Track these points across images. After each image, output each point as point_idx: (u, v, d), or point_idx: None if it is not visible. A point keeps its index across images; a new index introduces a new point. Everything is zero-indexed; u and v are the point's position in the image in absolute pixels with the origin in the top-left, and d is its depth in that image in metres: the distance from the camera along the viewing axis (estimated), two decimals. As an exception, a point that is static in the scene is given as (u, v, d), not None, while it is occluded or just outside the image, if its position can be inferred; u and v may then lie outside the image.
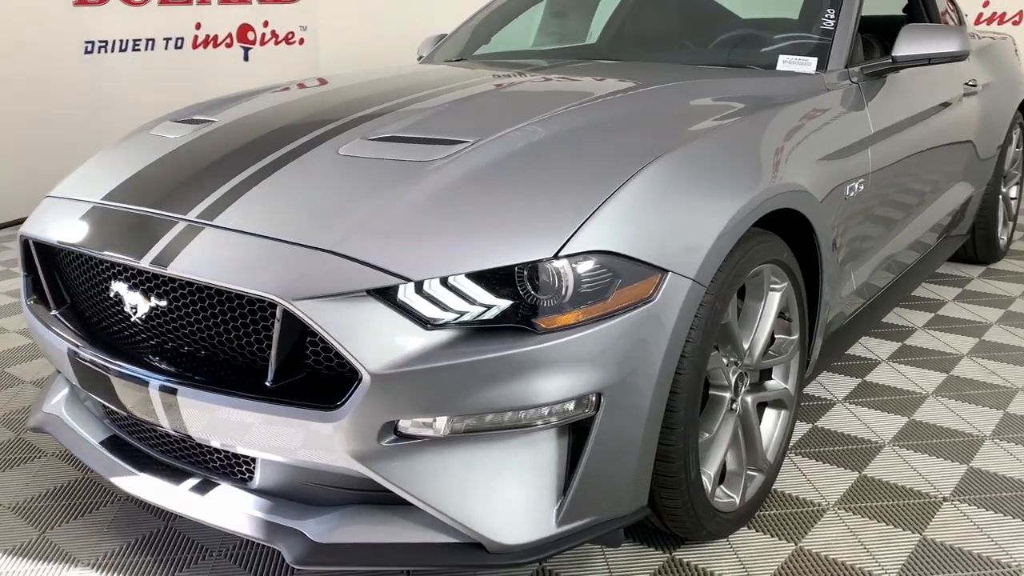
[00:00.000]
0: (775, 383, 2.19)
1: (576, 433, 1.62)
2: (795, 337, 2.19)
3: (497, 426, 1.55)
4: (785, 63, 2.53)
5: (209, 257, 1.63)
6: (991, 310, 3.54)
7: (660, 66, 2.70)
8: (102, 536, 2.12)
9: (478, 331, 1.54)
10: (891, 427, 2.57)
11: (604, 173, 1.67)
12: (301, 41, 5.14)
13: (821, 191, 2.15)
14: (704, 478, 1.89)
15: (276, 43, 5.06)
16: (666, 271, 1.63)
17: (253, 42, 4.98)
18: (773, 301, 2.06)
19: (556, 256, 1.53)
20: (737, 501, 2.03)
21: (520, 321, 1.54)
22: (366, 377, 1.49)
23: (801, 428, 2.58)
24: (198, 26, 4.84)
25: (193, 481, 1.82)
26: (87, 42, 4.60)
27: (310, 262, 1.55)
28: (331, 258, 1.54)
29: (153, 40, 4.73)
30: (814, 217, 2.10)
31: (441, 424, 1.54)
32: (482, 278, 1.54)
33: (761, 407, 2.20)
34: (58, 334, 1.94)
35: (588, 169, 1.70)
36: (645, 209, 1.64)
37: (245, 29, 4.94)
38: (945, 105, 3.11)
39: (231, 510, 1.73)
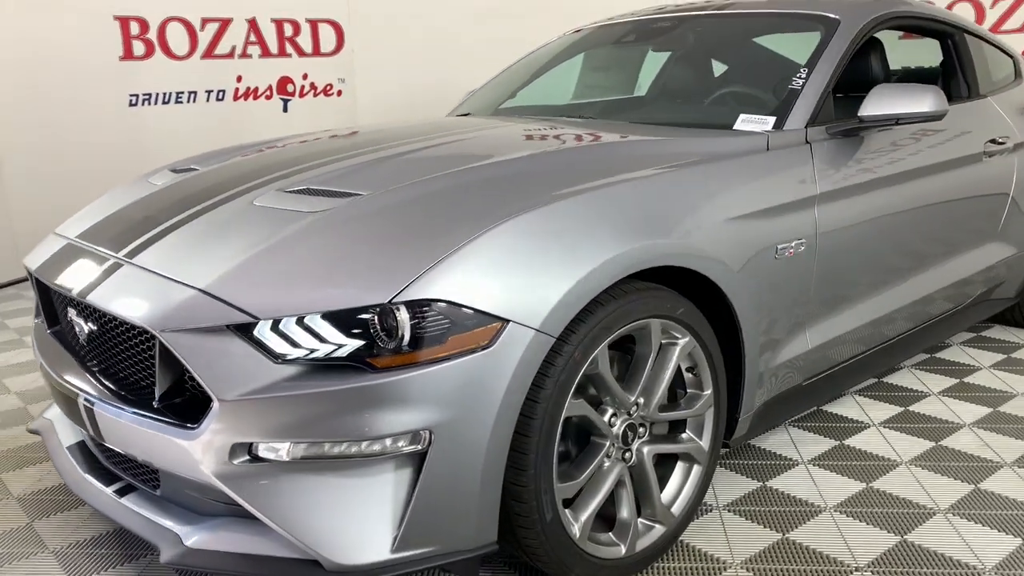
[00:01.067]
0: (687, 436, 2.23)
1: (416, 467, 1.75)
2: (707, 393, 2.21)
3: (335, 455, 1.71)
4: (743, 122, 2.56)
5: (117, 290, 1.90)
6: (1026, 380, 3.33)
7: (623, 126, 2.77)
8: (75, 529, 2.42)
9: (321, 367, 1.71)
10: (842, 492, 2.50)
11: (459, 227, 1.80)
12: (339, 93, 5.39)
13: (733, 250, 2.18)
14: (572, 522, 1.96)
15: (315, 95, 5.33)
16: (507, 321, 1.74)
17: (293, 94, 5.25)
18: (669, 355, 2.11)
19: (391, 302, 1.68)
20: (623, 550, 2.07)
21: (358, 360, 1.70)
22: (216, 402, 1.70)
23: (749, 485, 2.56)
24: (239, 79, 5.15)
25: (118, 485, 2.09)
26: (131, 95, 4.96)
27: (184, 298, 1.78)
28: (201, 296, 1.77)
29: (195, 92, 5.07)
30: (719, 275, 2.13)
31: (285, 449, 1.71)
32: (331, 319, 1.71)
33: (672, 459, 2.24)
34: (36, 348, 2.28)
35: (448, 222, 1.84)
36: (490, 262, 1.76)
37: (285, 81, 5.22)
38: (955, 163, 3.00)
39: (135, 511, 1.98)
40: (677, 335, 2.11)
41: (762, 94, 2.81)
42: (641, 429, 2.11)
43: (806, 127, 2.53)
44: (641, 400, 2.09)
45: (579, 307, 1.84)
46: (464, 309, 1.71)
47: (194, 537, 1.85)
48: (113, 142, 4.86)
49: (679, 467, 2.25)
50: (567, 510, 1.97)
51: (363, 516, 1.74)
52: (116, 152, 4.78)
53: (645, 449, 2.12)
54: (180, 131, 4.96)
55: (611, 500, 2.09)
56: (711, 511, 2.43)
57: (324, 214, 1.94)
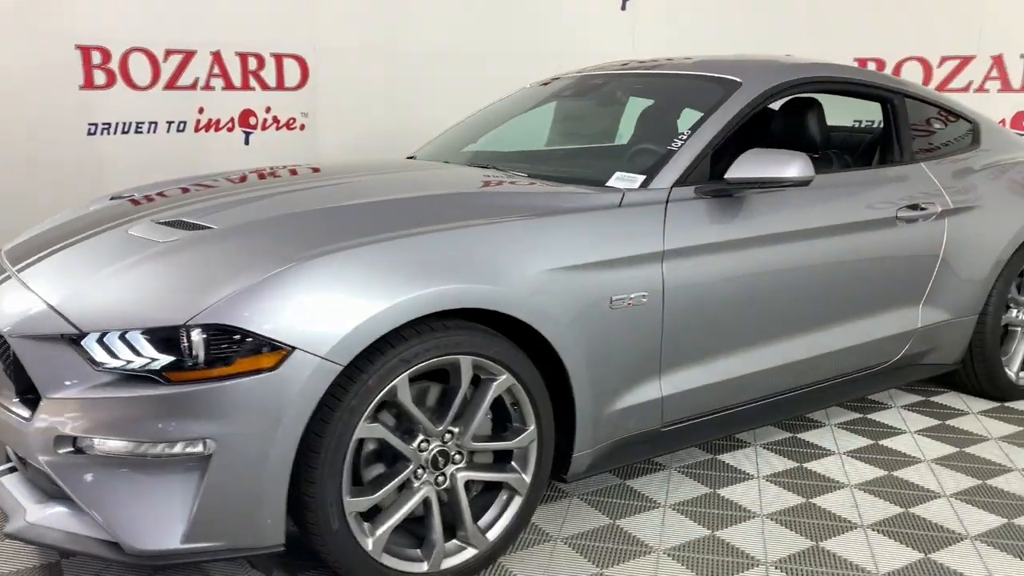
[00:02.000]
0: (510, 467, 2.39)
1: (202, 471, 1.99)
2: (531, 428, 2.38)
3: (136, 454, 1.97)
4: (616, 179, 2.72)
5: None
6: (943, 447, 3.30)
7: (517, 177, 2.94)
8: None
9: (129, 376, 1.99)
10: (683, 537, 2.60)
11: (268, 262, 2.06)
12: (302, 127, 5.50)
13: (558, 297, 2.33)
14: (366, 534, 2.16)
15: (277, 128, 5.43)
16: (293, 348, 1.98)
17: (255, 127, 5.37)
18: (485, 390, 2.29)
19: (186, 324, 1.95)
20: (426, 567, 2.26)
21: (156, 373, 1.97)
22: (43, 399, 2.00)
23: (599, 521, 2.69)
24: (201, 110, 5.24)
25: (7, 466, 2.41)
26: (91, 124, 5.00)
27: (36, 310, 2.10)
28: (47, 308, 2.09)
29: (156, 123, 5.15)
30: (538, 320, 2.30)
31: (97, 445, 1.99)
32: (146, 336, 1.99)
33: (497, 487, 2.41)
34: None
35: (261, 257, 2.09)
36: (285, 295, 1.99)
37: (247, 114, 5.34)
38: (855, 226, 3.05)
39: (7, 489, 2.29)
40: (494, 372, 2.30)
41: (656, 150, 2.95)
42: (458, 456, 2.30)
43: (672, 187, 2.67)
44: (456, 429, 2.28)
45: (370, 340, 2.05)
46: (253, 335, 1.96)
47: (35, 515, 2.14)
48: (70, 170, 4.92)
49: (501, 495, 2.41)
50: (367, 523, 2.19)
51: (158, 509, 2.00)
52: (72, 180, 4.88)
53: (459, 475, 2.31)
54: (138, 161, 5.01)
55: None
56: (549, 541, 2.58)
57: (171, 243, 2.24)
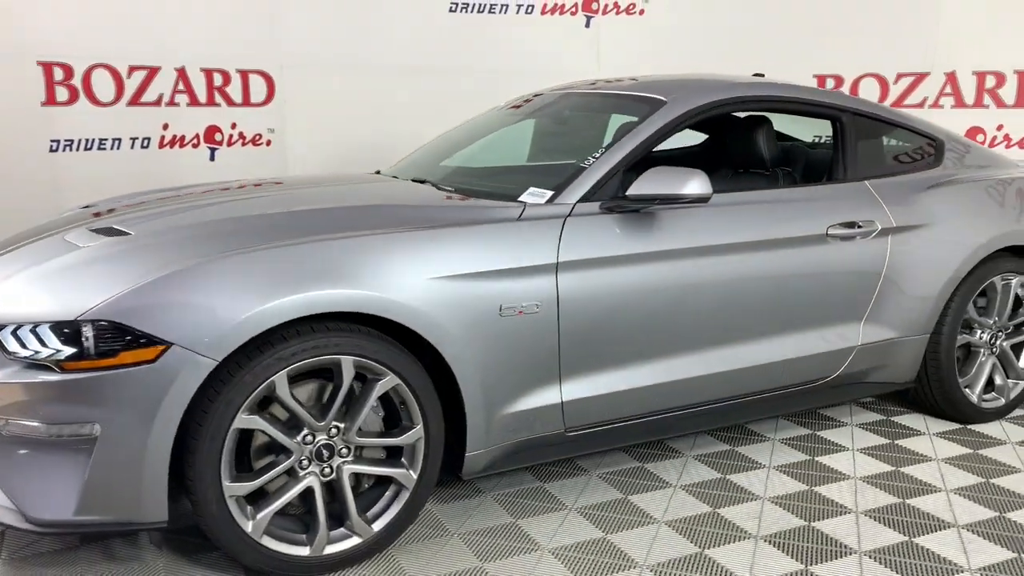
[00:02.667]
0: (399, 463, 2.56)
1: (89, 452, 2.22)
2: (417, 427, 2.54)
3: (35, 434, 2.22)
4: (527, 194, 2.86)
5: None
6: (879, 466, 3.30)
7: (431, 190, 3.13)
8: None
9: (33, 365, 2.24)
10: (575, 538, 2.71)
11: (157, 265, 2.29)
12: (268, 143, 5.50)
13: (443, 304, 2.48)
14: (246, 517, 2.35)
15: (243, 144, 5.42)
16: (171, 343, 2.19)
17: (220, 143, 5.38)
18: (369, 390, 2.46)
19: (77, 319, 2.19)
20: (308, 551, 2.44)
21: (57, 363, 2.21)
22: (-40, 383, 2.28)
23: (500, 519, 2.82)
24: (165, 127, 5.24)
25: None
26: (52, 140, 5.00)
27: (-34, 303, 2.39)
28: (-28, 303, 2.37)
29: (120, 140, 5.14)
30: (420, 324, 2.45)
31: (3, 425, 2.25)
32: (53, 329, 2.24)
33: (386, 481, 2.58)
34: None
35: (154, 261, 2.32)
36: (165, 295, 2.22)
37: (213, 130, 5.36)
38: (774, 243, 3.08)
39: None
40: (379, 373, 2.46)
41: (576, 165, 3.07)
42: (344, 450, 2.48)
43: (576, 202, 2.79)
44: (341, 425, 2.46)
45: (244, 339, 2.25)
46: (134, 330, 2.19)
47: (-33, 485, 2.42)
48: (31, 187, 4.91)
49: (390, 489, 2.58)
50: (250, 506, 2.38)
51: (54, 484, 2.24)
52: (34, 197, 4.84)
53: (345, 468, 2.48)
54: (101, 177, 5.00)
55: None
56: (445, 535, 2.72)
57: (90, 248, 2.50)
